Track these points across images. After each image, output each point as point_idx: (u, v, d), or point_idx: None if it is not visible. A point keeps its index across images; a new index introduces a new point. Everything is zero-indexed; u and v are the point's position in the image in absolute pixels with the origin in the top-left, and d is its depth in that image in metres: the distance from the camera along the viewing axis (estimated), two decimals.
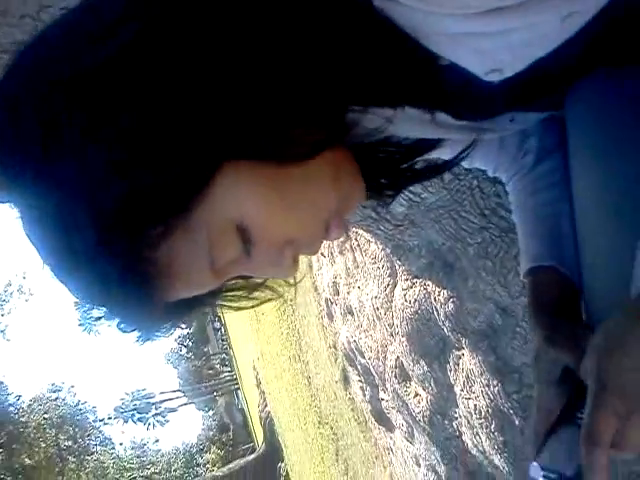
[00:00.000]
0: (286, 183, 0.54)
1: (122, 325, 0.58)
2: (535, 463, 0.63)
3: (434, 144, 0.73)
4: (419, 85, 0.63)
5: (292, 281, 0.69)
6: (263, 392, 16.03)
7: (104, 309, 0.56)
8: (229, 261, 0.56)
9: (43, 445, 23.32)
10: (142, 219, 0.48)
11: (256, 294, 0.69)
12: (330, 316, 5.73)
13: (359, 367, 4.73)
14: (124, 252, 0.49)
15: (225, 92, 0.49)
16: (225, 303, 0.67)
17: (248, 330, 16.60)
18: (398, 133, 0.69)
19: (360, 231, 3.17)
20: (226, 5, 0.50)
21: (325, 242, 0.64)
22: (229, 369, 39.77)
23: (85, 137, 0.47)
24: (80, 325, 41.07)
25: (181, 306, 0.59)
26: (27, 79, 0.50)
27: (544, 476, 0.62)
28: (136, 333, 0.59)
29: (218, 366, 43.61)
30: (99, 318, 0.57)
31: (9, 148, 0.49)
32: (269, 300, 0.70)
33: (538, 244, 0.81)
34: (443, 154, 0.76)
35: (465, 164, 0.83)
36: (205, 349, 46.12)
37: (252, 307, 0.69)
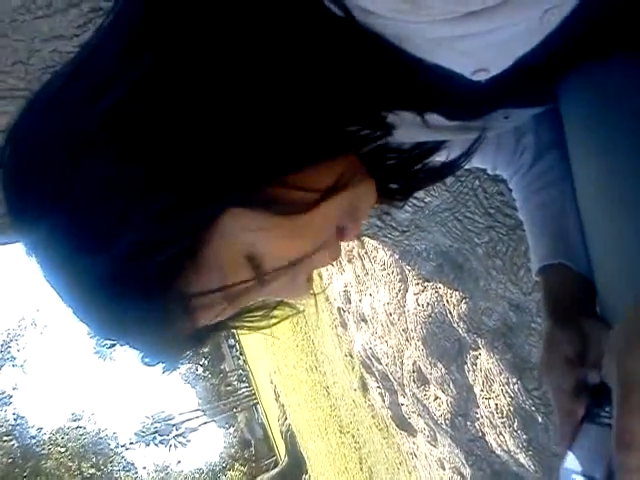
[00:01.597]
0: (289, 218, 0.54)
1: (147, 359, 0.58)
2: (564, 467, 0.63)
3: (436, 147, 0.73)
4: (406, 88, 0.62)
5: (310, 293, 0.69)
6: (282, 405, 15.99)
7: (129, 347, 0.57)
8: (243, 289, 0.56)
9: (67, 476, 23.31)
10: (154, 264, 0.49)
11: (274, 312, 0.69)
12: (344, 325, 5.72)
13: (377, 374, 4.71)
14: (142, 295, 0.50)
15: (225, 141, 0.49)
16: (245, 324, 0.67)
17: (263, 345, 16.58)
18: (395, 139, 0.69)
19: (367, 239, 3.17)
20: (216, 53, 0.50)
21: None
22: (247, 385, 39.70)
23: (97, 188, 0.47)
24: (95, 353, 41.17)
25: (201, 333, 0.60)
26: (37, 132, 0.50)
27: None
28: (161, 365, 0.60)
29: (235, 382, 43.54)
30: (114, 345, 0.57)
31: (22, 192, 0.50)
32: (288, 317, 0.70)
33: (546, 243, 0.81)
34: (443, 158, 0.76)
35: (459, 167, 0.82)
36: (221, 367, 46.11)
37: (272, 326, 0.69)
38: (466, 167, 0.76)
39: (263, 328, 0.69)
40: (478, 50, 0.56)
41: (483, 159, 0.90)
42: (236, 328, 0.67)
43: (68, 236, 0.48)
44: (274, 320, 0.69)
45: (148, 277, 0.49)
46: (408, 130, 0.67)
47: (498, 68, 0.60)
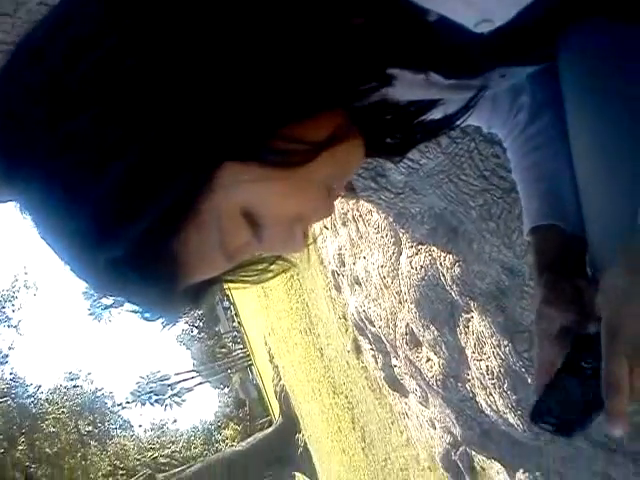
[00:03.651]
0: (286, 171, 0.54)
1: (147, 314, 0.59)
2: (540, 414, 0.64)
3: (432, 103, 0.72)
4: (411, 45, 0.62)
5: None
6: (276, 366, 16.18)
7: (128, 303, 0.57)
8: (240, 244, 0.56)
9: (64, 434, 23.70)
10: (153, 220, 0.49)
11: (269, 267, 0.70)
12: (338, 288, 5.75)
13: (370, 336, 4.76)
14: (140, 250, 0.50)
15: (218, 98, 0.49)
16: (241, 279, 0.68)
17: (257, 307, 16.71)
18: (391, 96, 0.69)
19: (361, 201, 3.16)
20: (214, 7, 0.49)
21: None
22: (241, 346, 40.10)
23: (97, 151, 0.47)
24: (90, 314, 41.44)
25: (199, 287, 0.60)
26: (22, 88, 0.49)
27: (545, 421, 0.63)
28: (160, 320, 0.61)
29: (230, 344, 43.97)
30: (109, 306, 0.58)
31: (15, 153, 0.49)
32: (283, 272, 0.71)
33: (538, 203, 0.81)
34: (439, 116, 0.75)
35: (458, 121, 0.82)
36: (216, 328, 46.48)
37: (268, 280, 0.70)
38: (461, 126, 0.75)
39: (259, 282, 0.69)
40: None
41: (478, 117, 0.89)
42: (233, 282, 0.68)
43: (65, 195, 0.48)
44: (270, 275, 0.69)
45: (147, 233, 0.49)
46: (405, 88, 0.67)
47: (502, 19, 0.60)
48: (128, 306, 0.58)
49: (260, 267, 0.68)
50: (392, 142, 0.71)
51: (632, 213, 0.61)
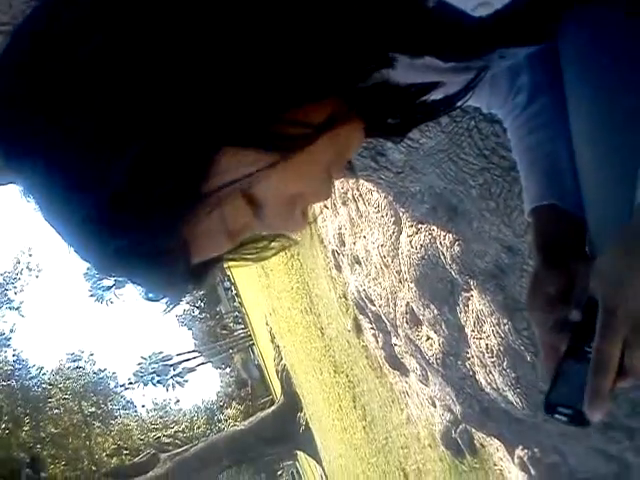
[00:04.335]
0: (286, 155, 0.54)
1: (150, 295, 0.60)
2: (549, 400, 0.65)
3: (432, 86, 0.72)
4: (410, 31, 0.61)
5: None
6: (278, 346, 16.28)
7: (132, 283, 0.58)
8: (242, 225, 0.57)
9: (68, 414, 23.91)
10: (156, 203, 0.49)
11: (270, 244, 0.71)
12: (338, 267, 5.76)
13: (370, 315, 4.79)
14: (148, 237, 0.50)
15: (219, 84, 0.49)
16: (243, 257, 0.69)
17: (258, 287, 16.76)
18: (393, 78, 0.69)
19: (361, 180, 3.16)
20: None
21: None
22: (242, 326, 40.32)
23: (98, 139, 0.47)
24: (91, 296, 41.61)
25: (201, 267, 0.61)
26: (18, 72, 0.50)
27: (559, 412, 0.63)
28: (163, 300, 0.62)
29: (231, 324, 44.21)
30: (110, 287, 0.58)
31: (19, 138, 0.49)
32: (284, 249, 0.72)
33: (538, 183, 0.81)
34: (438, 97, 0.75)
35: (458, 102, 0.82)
36: (217, 309, 46.71)
37: (269, 257, 0.71)
38: (462, 108, 0.75)
39: (260, 260, 0.70)
40: None
41: (478, 98, 0.89)
42: (234, 261, 0.69)
43: (72, 183, 0.48)
44: (270, 252, 0.70)
45: (154, 219, 0.50)
46: (404, 72, 0.67)
47: (501, 2, 0.59)
48: (131, 287, 0.59)
49: (260, 245, 0.69)
50: (393, 123, 0.71)
51: (630, 196, 0.61)
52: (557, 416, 0.63)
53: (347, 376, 7.88)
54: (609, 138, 0.68)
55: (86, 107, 0.47)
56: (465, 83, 0.71)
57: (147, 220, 0.49)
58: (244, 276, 22.81)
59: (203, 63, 0.48)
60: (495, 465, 3.70)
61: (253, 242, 0.68)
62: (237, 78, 0.49)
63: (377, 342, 5.03)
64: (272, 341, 16.99)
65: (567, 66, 0.74)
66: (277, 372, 16.93)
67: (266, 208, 0.57)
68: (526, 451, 2.95)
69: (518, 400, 2.47)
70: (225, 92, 0.49)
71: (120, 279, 0.58)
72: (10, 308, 27.64)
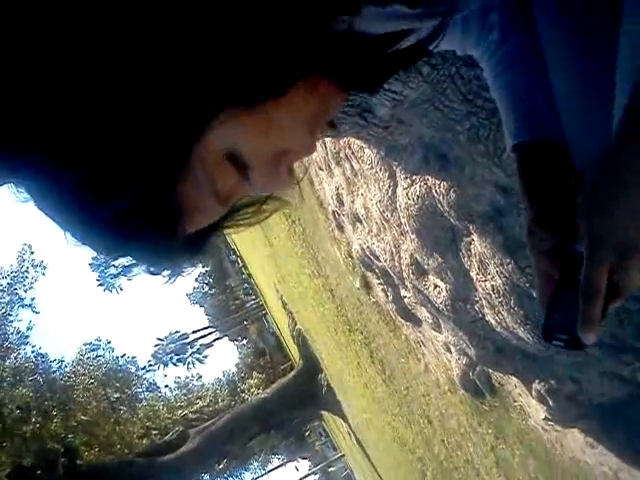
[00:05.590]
0: (264, 107, 0.55)
1: (151, 268, 0.61)
2: (547, 326, 0.68)
3: (403, 34, 0.73)
4: None
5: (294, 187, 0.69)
6: (291, 312, 16.40)
7: (131, 258, 0.59)
8: (230, 188, 0.58)
9: (94, 402, 24.30)
10: (149, 175, 0.50)
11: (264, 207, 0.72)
12: (340, 227, 5.78)
13: (377, 271, 4.82)
14: (139, 203, 0.51)
15: (198, 46, 0.49)
16: (238, 223, 0.70)
17: (264, 256, 16.81)
18: (362, 29, 0.69)
19: (352, 139, 3.15)
20: None
21: (320, 156, 0.65)
22: (253, 297, 40.56)
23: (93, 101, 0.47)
24: (100, 285, 41.77)
25: (199, 236, 0.63)
26: None
27: (557, 338, 0.66)
28: (165, 272, 0.63)
29: (242, 296, 44.47)
30: (117, 275, 0.60)
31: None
32: (277, 210, 0.73)
33: (517, 120, 0.82)
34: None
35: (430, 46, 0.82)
36: (226, 283, 46.92)
37: (264, 220, 0.72)
38: (440, 52, 0.76)
39: (255, 223, 0.71)
40: None
41: (451, 41, 0.89)
42: (230, 227, 0.70)
43: (60, 151, 0.48)
44: (264, 215, 0.71)
45: (144, 184, 0.51)
46: (373, 22, 0.67)
47: None
48: (135, 269, 0.60)
49: (253, 208, 0.70)
50: (368, 73, 0.71)
51: (609, 125, 0.63)
52: (555, 342, 0.66)
53: (362, 333, 7.97)
54: (583, 65, 0.70)
55: (71, 72, 0.46)
56: (433, 28, 0.72)
57: (140, 186, 0.50)
58: (249, 247, 22.83)
59: (175, 28, 0.48)
60: (515, 401, 3.78)
61: (246, 206, 0.69)
62: (213, 38, 0.50)
63: (387, 296, 5.07)
64: (284, 308, 17.11)
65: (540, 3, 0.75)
66: (293, 338, 17.10)
67: (252, 169, 0.57)
68: (543, 384, 3.00)
69: (529, 335, 2.51)
70: (206, 55, 0.50)
71: (126, 264, 0.59)
72: (23, 306, 27.83)
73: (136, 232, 0.53)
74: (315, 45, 0.60)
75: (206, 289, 48.33)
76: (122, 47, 0.47)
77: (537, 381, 3.05)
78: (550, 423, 3.27)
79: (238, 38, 0.51)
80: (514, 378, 3.44)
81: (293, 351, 20.51)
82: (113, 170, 0.49)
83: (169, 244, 0.56)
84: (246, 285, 42.04)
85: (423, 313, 4.17)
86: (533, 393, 3.15)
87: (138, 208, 0.51)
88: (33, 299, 28.80)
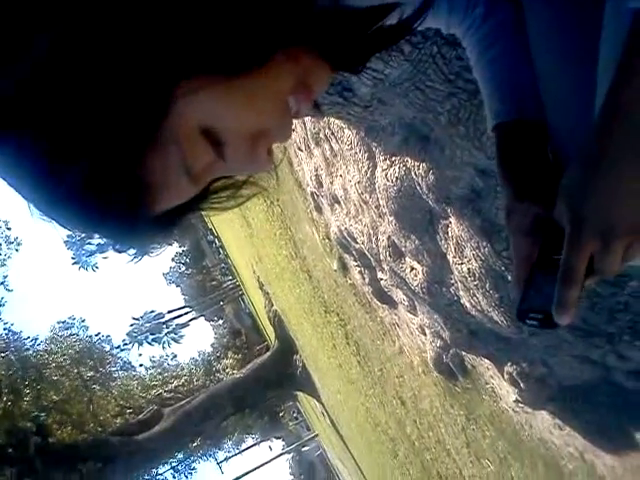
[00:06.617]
0: (241, 80, 0.54)
1: (117, 246, 0.59)
2: (520, 308, 0.68)
3: (388, 8, 0.71)
4: None
5: (272, 169, 0.67)
6: (267, 293, 16.41)
7: (97, 234, 0.57)
8: (205, 166, 0.56)
9: (67, 381, 24.14)
10: (114, 151, 0.48)
11: (241, 192, 0.69)
12: (318, 209, 5.78)
13: (354, 253, 4.83)
14: (104, 178, 0.49)
15: (164, 13, 0.47)
16: (212, 206, 0.68)
17: (241, 237, 16.76)
18: (347, 2, 0.67)
19: (332, 119, 3.13)
20: None
21: (300, 136, 0.64)
22: (230, 278, 40.50)
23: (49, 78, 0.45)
24: (75, 263, 41.26)
25: (170, 216, 0.60)
26: None
27: (530, 317, 0.66)
28: (132, 251, 0.61)
29: (219, 277, 44.40)
30: (92, 253, 0.58)
31: None
32: (254, 195, 0.71)
33: (499, 99, 0.82)
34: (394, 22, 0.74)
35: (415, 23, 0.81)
36: (203, 263, 46.78)
37: (239, 205, 0.70)
38: (422, 31, 0.75)
39: (232, 207, 0.69)
40: None
41: (437, 18, 0.89)
42: (206, 210, 0.68)
43: (24, 136, 0.47)
44: (241, 199, 0.69)
45: (108, 155, 0.48)
46: None
47: None
48: (110, 248, 0.58)
49: (230, 192, 0.68)
50: (352, 48, 0.70)
51: (589, 106, 0.63)
52: (528, 321, 0.66)
53: (338, 315, 8.00)
54: (567, 41, 0.69)
55: (40, 39, 0.45)
56: (419, 4, 0.71)
57: (103, 157, 0.48)
58: (226, 228, 22.75)
59: None
60: (487, 384, 3.83)
61: (222, 189, 0.67)
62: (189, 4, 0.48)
63: (363, 278, 5.09)
64: (261, 289, 17.11)
65: None
66: (269, 318, 17.13)
67: (228, 146, 0.55)
68: (514, 367, 3.05)
69: (503, 319, 2.54)
70: (174, 21, 0.48)
71: (101, 242, 0.57)
72: None
73: (99, 205, 0.50)
74: (296, 13, 0.59)
75: (183, 269, 48.14)
76: (84, 4, 0.45)
77: (509, 364, 3.09)
78: (520, 405, 3.32)
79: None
80: (487, 361, 3.48)
81: (269, 332, 20.56)
82: (73, 136, 0.47)
83: (133, 221, 0.54)
84: (223, 265, 41.96)
85: (399, 295, 4.19)
86: (505, 376, 3.20)
87: (100, 178, 0.49)
88: (6, 277, 28.41)
